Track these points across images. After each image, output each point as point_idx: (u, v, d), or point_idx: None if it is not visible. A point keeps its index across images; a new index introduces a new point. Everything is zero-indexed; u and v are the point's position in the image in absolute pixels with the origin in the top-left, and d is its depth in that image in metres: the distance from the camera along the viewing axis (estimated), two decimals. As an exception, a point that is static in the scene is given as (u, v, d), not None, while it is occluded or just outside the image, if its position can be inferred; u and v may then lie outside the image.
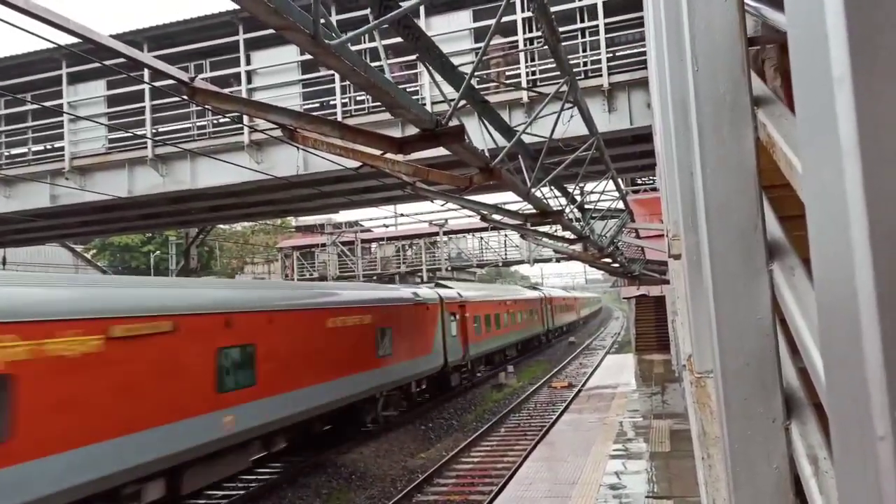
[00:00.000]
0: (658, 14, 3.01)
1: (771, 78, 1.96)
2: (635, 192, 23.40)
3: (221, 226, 39.05)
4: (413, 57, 10.32)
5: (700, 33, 1.35)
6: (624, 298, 39.44)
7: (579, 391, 22.53)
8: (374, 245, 42.25)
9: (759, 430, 1.28)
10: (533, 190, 7.72)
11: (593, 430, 14.95)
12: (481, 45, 6.12)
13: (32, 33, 3.86)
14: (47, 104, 14.38)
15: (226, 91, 4.13)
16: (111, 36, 3.74)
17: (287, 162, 13.44)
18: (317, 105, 13.87)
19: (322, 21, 2.92)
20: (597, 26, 11.77)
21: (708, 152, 1.32)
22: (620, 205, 14.27)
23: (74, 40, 3.93)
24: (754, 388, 1.29)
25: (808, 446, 1.18)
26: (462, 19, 12.49)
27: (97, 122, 13.40)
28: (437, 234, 38.63)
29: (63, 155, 15.02)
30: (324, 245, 39.72)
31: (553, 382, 27.72)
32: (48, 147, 15.96)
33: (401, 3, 3.62)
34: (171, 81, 3.86)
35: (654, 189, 20.64)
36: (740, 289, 1.30)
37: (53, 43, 4.93)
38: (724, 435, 1.36)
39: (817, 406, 1.20)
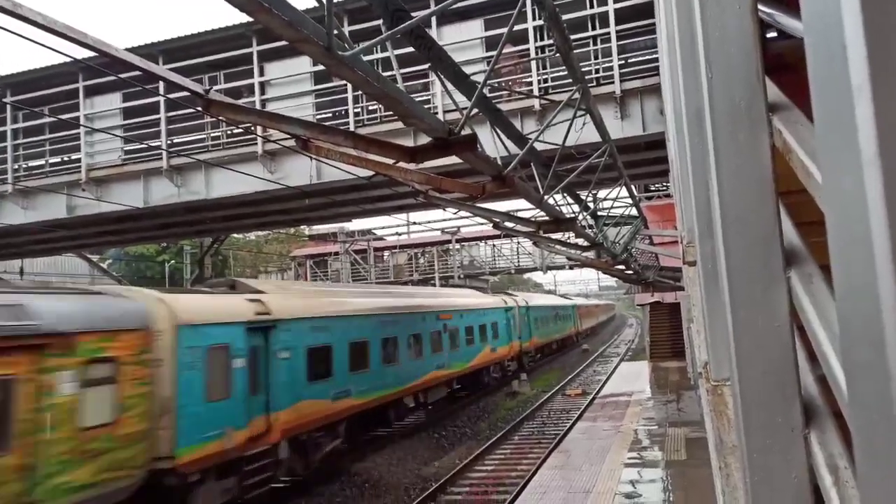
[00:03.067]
0: (671, 21, 3.00)
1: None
2: (648, 198, 23.33)
3: (235, 235, 39.32)
4: (425, 66, 10.36)
5: (714, 40, 1.34)
6: (638, 305, 39.14)
7: (593, 399, 22.40)
8: (386, 253, 42.38)
9: (778, 440, 1.27)
10: (546, 197, 7.70)
11: (608, 438, 14.83)
12: (493, 53, 6.13)
13: (51, 48, 3.93)
14: (64, 117, 14.58)
15: (240, 102, 4.18)
16: (127, 49, 3.79)
17: (300, 172, 13.52)
18: (329, 115, 13.95)
19: (335, 33, 2.94)
20: (608, 33, 11.77)
21: (723, 159, 1.32)
22: (633, 211, 14.22)
23: (91, 54, 3.99)
24: (773, 397, 1.27)
25: (828, 455, 1.16)
26: (473, 28, 12.53)
27: (113, 135, 13.57)
28: (449, 241, 38.67)
29: (80, 166, 15.21)
30: (337, 253, 39.87)
31: (567, 390, 27.58)
32: (65, 159, 16.16)
33: (412, 14, 3.64)
34: (186, 93, 3.91)
35: (668, 195, 20.56)
36: (758, 296, 1.29)
37: (71, 57, 5.01)
38: (741, 444, 1.35)
39: (836, 414, 1.19)
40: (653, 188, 24.20)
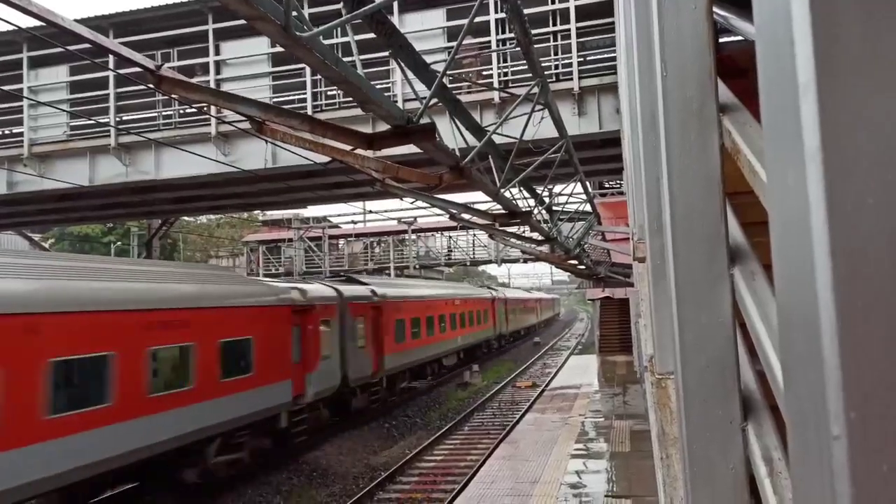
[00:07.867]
0: (629, 20, 3.05)
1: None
2: (602, 195, 23.70)
3: (186, 218, 38.36)
4: (386, 53, 10.28)
5: (670, 40, 1.37)
6: (589, 300, 39.87)
7: (543, 391, 22.71)
8: (341, 241, 41.97)
9: (718, 432, 1.31)
10: (502, 190, 7.75)
11: (556, 429, 15.08)
12: (454, 43, 6.12)
13: (-9, 14, 3.74)
14: (6, 88, 13.94)
15: (193, 81, 4.06)
16: (76, 20, 3.64)
17: (255, 155, 13.26)
18: (290, 98, 13.72)
19: (294, 13, 2.89)
20: (569, 30, 11.87)
21: (674, 158, 1.34)
22: (588, 207, 14.42)
23: (36, 23, 3.81)
24: (714, 390, 1.31)
25: (764, 447, 1.20)
26: (436, 18, 12.47)
27: (59, 109, 13.06)
28: (405, 231, 38.55)
29: (22, 141, 14.58)
30: (291, 240, 39.29)
31: (517, 382, 27.90)
32: (6, 132, 15.48)
33: (374, -1, 3.60)
34: (136, 69, 3.77)
35: (621, 193, 20.93)
36: (703, 292, 1.32)
37: (14, 25, 4.78)
38: (682, 435, 1.38)
39: (773, 408, 1.23)
40: (607, 185, 24.60)
